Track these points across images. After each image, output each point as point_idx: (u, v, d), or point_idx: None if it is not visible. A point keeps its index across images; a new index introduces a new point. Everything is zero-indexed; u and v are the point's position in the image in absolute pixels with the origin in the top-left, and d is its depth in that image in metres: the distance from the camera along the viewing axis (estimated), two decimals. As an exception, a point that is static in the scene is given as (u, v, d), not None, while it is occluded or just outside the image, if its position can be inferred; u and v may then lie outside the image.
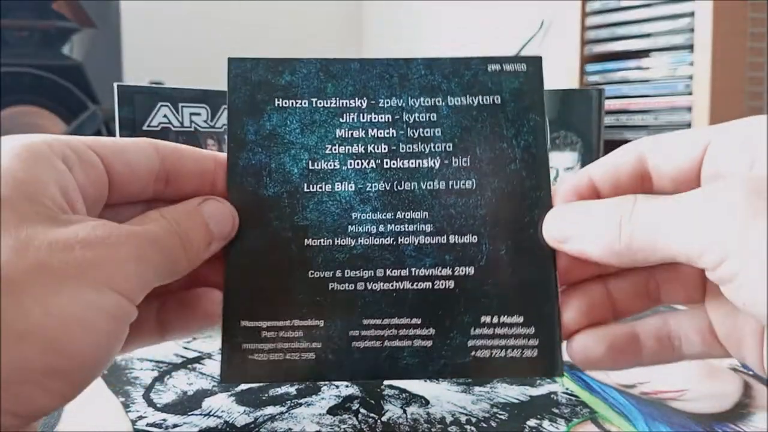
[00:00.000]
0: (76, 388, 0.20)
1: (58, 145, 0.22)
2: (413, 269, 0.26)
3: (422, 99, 0.27)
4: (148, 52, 2.05)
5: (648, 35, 1.54)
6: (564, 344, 0.26)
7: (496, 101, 0.27)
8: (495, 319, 0.26)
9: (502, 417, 0.30)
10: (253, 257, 0.26)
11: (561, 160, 0.46)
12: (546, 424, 0.29)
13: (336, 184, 0.27)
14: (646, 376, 0.35)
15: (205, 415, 0.30)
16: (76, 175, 0.22)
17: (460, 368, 0.26)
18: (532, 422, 0.29)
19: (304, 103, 0.27)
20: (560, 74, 1.66)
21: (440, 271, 0.26)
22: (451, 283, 0.26)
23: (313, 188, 0.27)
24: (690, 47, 1.45)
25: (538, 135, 0.27)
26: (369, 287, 0.26)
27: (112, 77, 1.72)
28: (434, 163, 0.27)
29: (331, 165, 0.27)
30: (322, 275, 0.26)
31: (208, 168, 0.27)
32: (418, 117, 0.27)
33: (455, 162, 0.27)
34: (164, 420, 0.30)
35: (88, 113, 1.72)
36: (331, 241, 0.26)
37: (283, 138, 0.27)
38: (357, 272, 0.26)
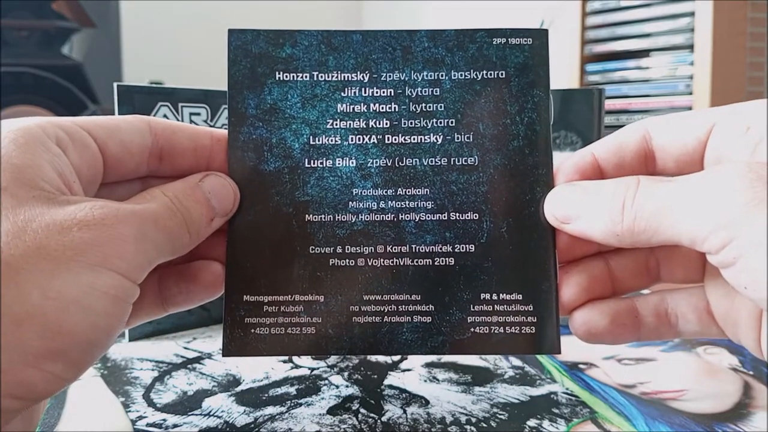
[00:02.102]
0: (77, 370, 0.20)
1: (51, 127, 0.22)
2: (414, 246, 0.26)
3: (425, 73, 0.27)
4: (148, 52, 2.05)
5: (648, 35, 1.54)
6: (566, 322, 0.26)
7: (500, 76, 0.27)
8: (494, 297, 0.26)
9: (502, 417, 0.30)
10: (255, 232, 0.26)
11: (561, 160, 0.46)
12: (546, 424, 0.29)
13: (337, 159, 0.27)
14: (646, 376, 0.35)
15: (205, 415, 0.30)
16: (70, 156, 0.22)
17: (459, 345, 0.26)
18: (532, 422, 0.29)
19: (306, 77, 0.27)
20: (560, 74, 1.66)
21: (441, 248, 0.26)
22: (451, 260, 0.26)
23: (314, 164, 0.26)
24: (690, 47, 1.45)
25: (541, 112, 0.27)
26: (370, 263, 0.26)
27: (111, 77, 1.73)
28: (436, 138, 0.27)
29: (332, 140, 0.27)
30: (323, 251, 0.26)
31: (204, 144, 0.26)
32: (421, 91, 0.27)
33: (458, 138, 0.27)
34: (164, 420, 0.30)
35: (87, 113, 1.72)
36: (332, 217, 0.26)
37: (284, 112, 0.27)
38: (358, 248, 0.26)
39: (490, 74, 0.27)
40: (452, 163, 0.27)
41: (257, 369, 0.36)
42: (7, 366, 0.18)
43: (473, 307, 0.26)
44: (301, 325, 0.26)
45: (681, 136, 0.24)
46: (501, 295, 0.26)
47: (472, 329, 0.26)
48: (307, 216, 0.26)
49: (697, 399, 0.32)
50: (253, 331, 0.26)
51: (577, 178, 0.26)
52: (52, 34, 1.75)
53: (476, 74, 0.27)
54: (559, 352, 0.26)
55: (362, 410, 0.31)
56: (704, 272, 0.26)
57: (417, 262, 0.26)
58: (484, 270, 0.26)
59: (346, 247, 0.26)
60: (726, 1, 1.40)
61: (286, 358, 0.38)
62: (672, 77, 1.50)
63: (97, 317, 0.19)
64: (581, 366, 0.36)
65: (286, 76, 0.27)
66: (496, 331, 0.26)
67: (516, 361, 0.37)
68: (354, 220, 0.26)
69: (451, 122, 0.27)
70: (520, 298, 0.26)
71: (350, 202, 0.26)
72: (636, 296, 0.26)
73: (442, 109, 0.27)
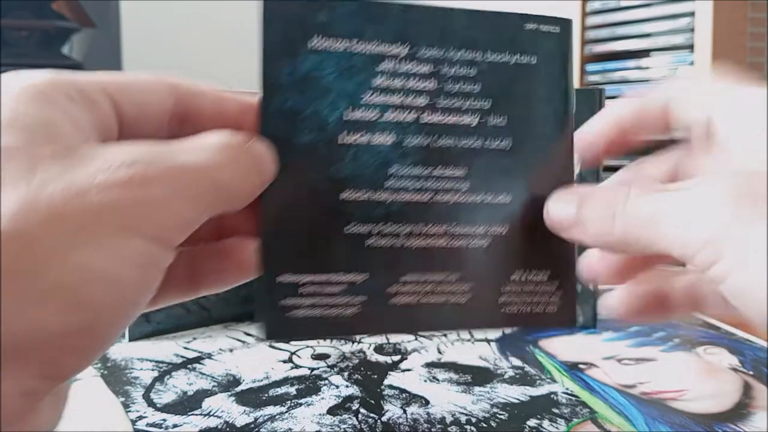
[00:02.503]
0: (105, 344, 0.19)
1: (61, 82, 0.20)
2: (449, 227, 0.26)
3: (462, 52, 0.26)
4: (148, 52, 2.05)
5: (648, 35, 1.54)
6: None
7: (531, 62, 0.27)
8: (523, 277, 0.27)
9: (502, 417, 0.30)
10: (288, 209, 0.25)
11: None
12: (546, 424, 0.29)
13: (373, 136, 0.26)
14: (646, 376, 0.35)
15: (205, 415, 0.30)
16: (82, 112, 0.20)
17: (491, 323, 0.27)
18: (532, 422, 0.29)
19: (342, 47, 0.26)
20: (560, 74, 1.66)
21: (475, 230, 0.26)
22: (484, 242, 0.26)
23: (349, 139, 0.25)
24: (690, 47, 1.45)
25: (567, 100, 0.27)
26: (406, 244, 0.26)
27: (112, 77, 1.72)
28: (471, 120, 0.26)
29: (368, 115, 0.26)
30: (359, 230, 0.26)
31: (230, 111, 0.25)
32: (458, 71, 0.26)
33: (491, 121, 0.27)
34: (164, 420, 0.30)
35: (88, 113, 1.72)
36: (368, 195, 0.26)
37: (318, 82, 0.25)
38: (394, 228, 0.26)
39: (524, 59, 0.27)
40: (486, 145, 0.27)
41: (257, 369, 0.36)
42: (32, 346, 0.17)
43: (504, 288, 0.27)
44: (338, 306, 0.26)
45: (688, 111, 0.24)
46: (528, 275, 0.27)
47: (502, 309, 0.27)
48: (342, 194, 0.25)
49: (697, 399, 0.32)
50: (289, 313, 0.25)
51: (602, 140, 0.26)
52: (52, 34, 1.75)
53: (510, 58, 0.27)
54: (575, 325, 0.27)
55: (362, 410, 0.31)
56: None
57: (452, 243, 0.26)
58: (515, 252, 0.27)
59: (383, 227, 0.26)
60: (726, 1, 1.40)
61: (287, 357, 0.38)
62: (672, 77, 1.50)
63: (123, 288, 0.18)
64: (581, 366, 0.36)
65: (322, 45, 0.25)
66: (524, 311, 0.27)
67: (516, 361, 0.37)
68: (390, 199, 0.26)
69: (486, 105, 0.27)
70: (546, 278, 0.27)
71: (386, 181, 0.26)
72: (666, 278, 0.27)
73: (478, 90, 0.27)
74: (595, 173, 0.43)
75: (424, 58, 0.26)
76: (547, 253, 0.27)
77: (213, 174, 0.20)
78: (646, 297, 0.26)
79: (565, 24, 0.28)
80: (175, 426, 0.29)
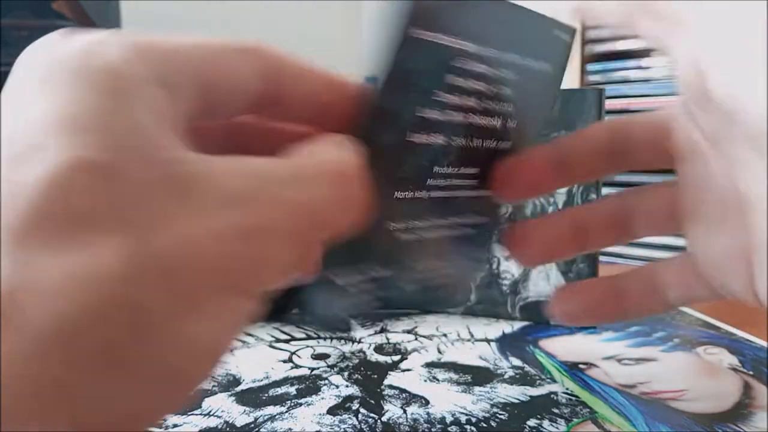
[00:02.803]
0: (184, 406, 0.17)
1: (137, 57, 0.15)
2: (455, 219, 0.27)
3: (504, 53, 0.24)
4: (148, 52, 2.05)
5: (648, 35, 1.54)
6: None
7: (545, 69, 0.26)
8: (483, 256, 0.30)
9: (502, 417, 0.30)
10: None
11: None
12: (546, 424, 0.29)
13: (432, 135, 0.24)
14: (646, 376, 0.35)
15: (205, 415, 0.30)
16: (166, 106, 0.16)
17: (462, 299, 0.31)
18: (532, 422, 0.29)
19: (429, 38, 0.22)
20: (560, 74, 1.66)
21: (469, 220, 0.27)
22: (471, 231, 0.28)
23: (416, 138, 0.23)
24: (690, 47, 1.45)
25: (554, 107, 0.29)
26: (423, 236, 0.26)
27: (112, 77, 1.72)
28: (497, 123, 0.26)
29: (434, 114, 0.23)
30: (396, 226, 0.25)
31: (320, 98, 0.21)
32: (500, 72, 0.25)
33: (509, 124, 0.26)
34: (164, 420, 0.30)
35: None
36: (412, 194, 0.25)
37: (407, 76, 0.22)
38: (419, 222, 0.26)
39: (541, 65, 0.26)
40: (498, 146, 0.26)
41: (257, 369, 0.36)
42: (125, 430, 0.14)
43: (474, 265, 0.30)
44: (373, 301, 0.26)
45: None
46: (485, 254, 0.30)
47: (469, 283, 0.30)
48: (396, 193, 0.24)
49: (697, 399, 0.32)
50: (342, 310, 0.27)
51: None
52: (53, 34, 1.75)
53: (531, 62, 0.26)
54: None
55: (362, 410, 0.31)
56: (679, 221, 0.24)
57: (452, 232, 0.27)
58: (487, 237, 0.28)
59: (413, 222, 0.26)
60: (726, 1, 1.40)
61: (287, 357, 0.38)
62: (673, 77, 1.50)
63: (219, 355, 0.15)
64: (581, 366, 0.36)
65: (416, 34, 0.22)
66: (469, 282, 0.30)
67: (516, 361, 0.37)
68: (426, 196, 0.25)
69: (510, 108, 0.26)
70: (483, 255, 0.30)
71: (429, 180, 0.25)
72: (622, 274, 0.26)
73: (508, 93, 0.25)
74: (594, 184, 0.43)
75: (481, 56, 0.24)
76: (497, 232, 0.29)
77: (325, 215, 0.17)
78: (603, 295, 0.26)
79: (573, 33, 0.27)
80: (175, 426, 0.29)
